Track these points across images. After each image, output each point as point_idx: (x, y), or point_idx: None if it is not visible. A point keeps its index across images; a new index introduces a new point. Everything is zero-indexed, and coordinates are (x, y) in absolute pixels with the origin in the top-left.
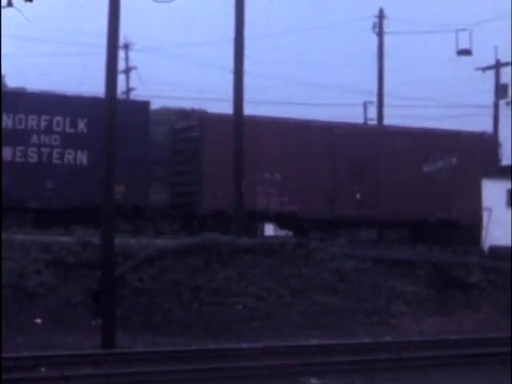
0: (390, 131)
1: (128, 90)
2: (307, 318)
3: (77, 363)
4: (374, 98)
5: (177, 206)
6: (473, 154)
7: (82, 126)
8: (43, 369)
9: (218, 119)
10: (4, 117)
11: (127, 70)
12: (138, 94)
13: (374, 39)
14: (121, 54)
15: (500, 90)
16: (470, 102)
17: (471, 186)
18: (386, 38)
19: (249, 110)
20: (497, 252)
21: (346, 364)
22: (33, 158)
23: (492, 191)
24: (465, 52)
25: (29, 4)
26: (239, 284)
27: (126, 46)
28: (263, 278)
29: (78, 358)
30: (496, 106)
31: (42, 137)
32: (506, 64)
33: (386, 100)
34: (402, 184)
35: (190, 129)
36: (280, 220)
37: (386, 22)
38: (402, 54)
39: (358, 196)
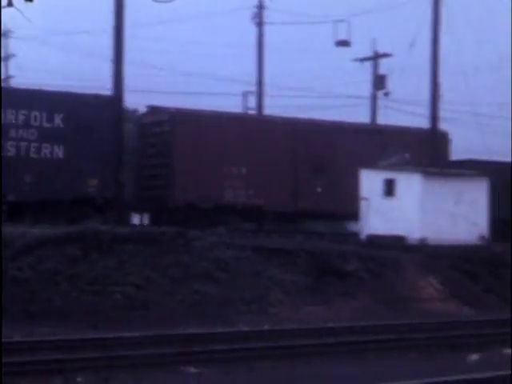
0: (348, 127)
1: (6, 78)
2: (186, 307)
3: None
4: (254, 88)
5: (146, 198)
6: (424, 150)
7: (58, 120)
8: None
9: (189, 114)
10: None
11: (6, 58)
12: (17, 82)
13: (254, 30)
14: None
15: (377, 81)
16: (349, 92)
17: None
18: (266, 29)
19: (130, 98)
20: (374, 241)
21: (224, 352)
22: (11, 151)
23: (369, 181)
24: (343, 43)
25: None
26: (118, 273)
27: (5, 34)
28: (143, 267)
29: None
30: (374, 97)
31: (20, 131)
32: (383, 55)
33: (266, 90)
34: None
35: (160, 123)
36: (246, 213)
37: (265, 13)
38: (281, 45)
39: (318, 190)
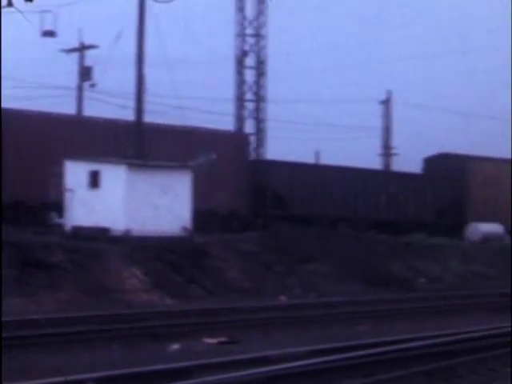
0: (162, 129)
1: None
2: None
3: None
4: None
5: None
6: (229, 150)
7: None
8: None
9: (17, 114)
10: None
11: None
12: None
13: None
14: None
15: (83, 73)
16: (56, 83)
17: (227, 178)
18: None
19: None
20: (79, 232)
21: None
22: None
23: (74, 172)
24: (49, 33)
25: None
26: None
27: None
28: None
29: None
30: (80, 88)
31: None
32: (90, 47)
33: None
34: None
35: None
36: None
37: None
38: None
39: None
